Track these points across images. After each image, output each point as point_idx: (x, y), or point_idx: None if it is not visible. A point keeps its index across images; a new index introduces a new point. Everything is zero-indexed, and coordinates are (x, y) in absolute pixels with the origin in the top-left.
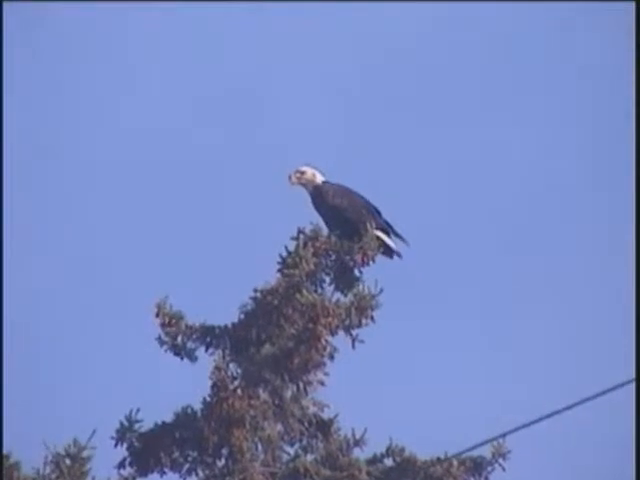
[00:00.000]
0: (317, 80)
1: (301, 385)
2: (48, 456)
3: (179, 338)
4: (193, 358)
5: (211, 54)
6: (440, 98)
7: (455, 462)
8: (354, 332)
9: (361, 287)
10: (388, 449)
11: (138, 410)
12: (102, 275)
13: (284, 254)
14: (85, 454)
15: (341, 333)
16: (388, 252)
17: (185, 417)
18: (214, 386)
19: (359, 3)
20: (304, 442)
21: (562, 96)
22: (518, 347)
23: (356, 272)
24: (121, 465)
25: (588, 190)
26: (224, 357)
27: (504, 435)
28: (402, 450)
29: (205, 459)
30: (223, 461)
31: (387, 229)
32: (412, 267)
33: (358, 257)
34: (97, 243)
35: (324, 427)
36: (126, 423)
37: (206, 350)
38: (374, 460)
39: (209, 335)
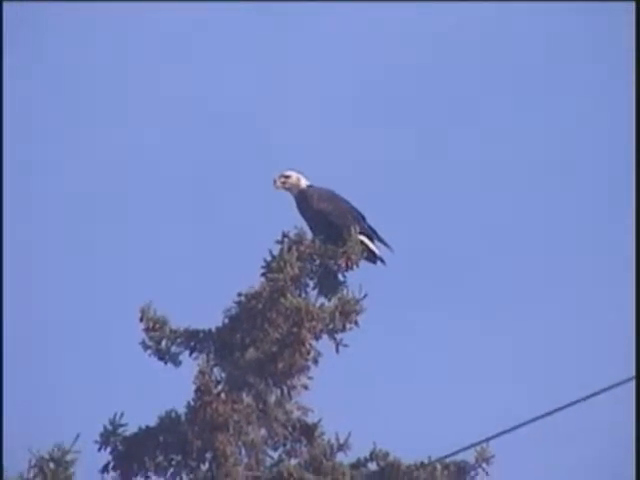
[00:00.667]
0: (309, 85)
1: (285, 389)
2: (32, 460)
3: (163, 342)
4: (177, 362)
5: (207, 58)
6: (433, 101)
7: (439, 466)
8: (338, 336)
9: (345, 291)
10: (372, 453)
11: (122, 414)
12: (86, 279)
13: (268, 258)
14: (69, 458)
15: (325, 337)
16: (372, 257)
17: (169, 421)
18: (198, 390)
19: (354, 3)
20: (288, 446)
21: (562, 96)
22: (504, 351)
23: (340, 276)
24: (105, 469)
25: (587, 189)
26: (208, 361)
27: (488, 440)
28: (386, 455)
29: (189, 463)
30: (207, 465)
31: (371, 234)
32: (396, 271)
33: (342, 261)
34: (82, 246)
35: (308, 431)
36: (110, 427)
37: (190, 354)
38: (358, 464)
39: (193, 339)
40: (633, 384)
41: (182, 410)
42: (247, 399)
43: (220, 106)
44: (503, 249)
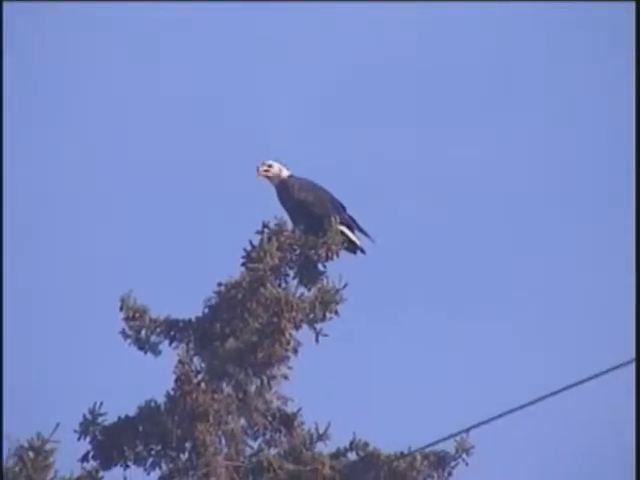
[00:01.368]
0: (296, 80)
1: (265, 379)
2: (11, 449)
3: (143, 332)
4: (157, 352)
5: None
6: (434, 100)
7: (419, 457)
8: (318, 326)
9: (325, 281)
10: (352, 443)
11: (101, 403)
12: (65, 268)
13: (248, 248)
14: (48, 447)
15: (305, 327)
16: (352, 248)
17: (149, 411)
18: (178, 380)
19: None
20: (267, 436)
21: (562, 96)
22: (484, 340)
23: (320, 266)
24: (84, 458)
25: (587, 188)
26: (188, 351)
27: (467, 430)
28: (366, 444)
29: (169, 453)
30: (186, 455)
31: (351, 224)
32: (377, 263)
33: (322, 251)
34: (62, 235)
35: (288, 421)
36: (89, 416)
37: (170, 344)
38: (337, 454)
39: (173, 329)
40: (633, 367)
41: (162, 400)
42: (227, 389)
43: (199, 102)
44: (496, 242)
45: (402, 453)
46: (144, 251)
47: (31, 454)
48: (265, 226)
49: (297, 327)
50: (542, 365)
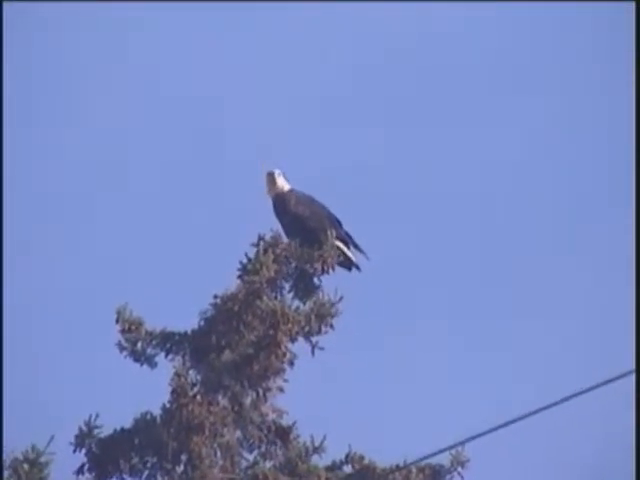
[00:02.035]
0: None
1: (260, 392)
2: (6, 461)
3: (139, 344)
4: (153, 364)
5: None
6: (433, 100)
7: (414, 470)
8: (314, 339)
9: (321, 295)
10: (347, 456)
11: (97, 416)
12: (60, 279)
13: (244, 260)
14: (43, 459)
15: (301, 340)
16: (347, 264)
17: (144, 423)
18: (174, 392)
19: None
20: (263, 449)
21: (562, 96)
22: (482, 351)
23: (316, 280)
24: (80, 471)
25: (587, 188)
26: (184, 363)
27: (463, 443)
28: (361, 457)
29: (164, 465)
30: (182, 467)
31: (347, 240)
32: (372, 277)
33: (318, 265)
34: (57, 247)
35: (283, 434)
36: (85, 429)
37: (166, 356)
38: (333, 467)
39: (169, 341)
40: (633, 378)
41: (157, 412)
42: (222, 401)
43: (198, 102)
44: (496, 248)
45: (398, 466)
46: (140, 263)
47: (26, 466)
48: (261, 238)
49: (293, 340)
50: (539, 377)
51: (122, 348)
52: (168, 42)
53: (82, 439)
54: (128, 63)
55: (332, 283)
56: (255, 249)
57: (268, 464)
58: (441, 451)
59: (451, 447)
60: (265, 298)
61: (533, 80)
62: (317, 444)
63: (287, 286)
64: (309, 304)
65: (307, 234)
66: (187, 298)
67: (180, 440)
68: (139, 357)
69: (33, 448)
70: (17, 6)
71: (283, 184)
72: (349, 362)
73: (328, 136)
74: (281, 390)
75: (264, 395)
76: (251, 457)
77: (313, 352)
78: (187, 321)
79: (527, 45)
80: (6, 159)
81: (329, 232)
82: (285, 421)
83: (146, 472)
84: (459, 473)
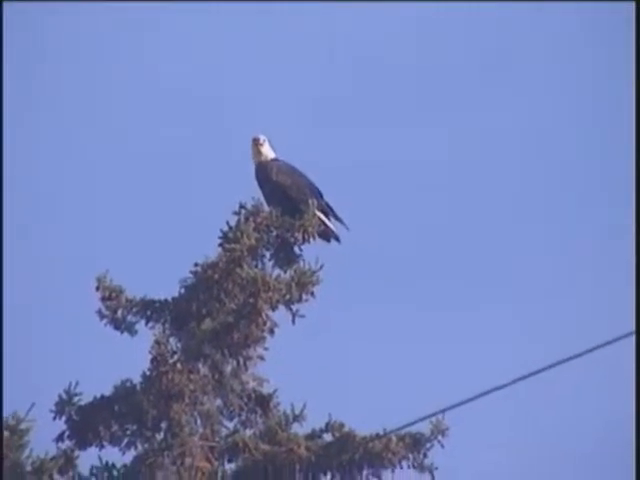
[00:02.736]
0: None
1: (241, 360)
2: None
3: (119, 312)
4: (133, 332)
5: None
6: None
7: (394, 438)
8: (294, 307)
9: (301, 263)
10: (327, 424)
11: (77, 383)
12: (38, 247)
13: (225, 228)
14: (24, 426)
15: (281, 308)
16: (326, 236)
17: (124, 391)
18: (154, 360)
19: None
20: (243, 417)
21: (562, 96)
22: (463, 314)
23: (296, 249)
24: (60, 438)
25: (587, 186)
26: (164, 331)
27: (443, 411)
28: (341, 426)
29: (144, 433)
30: (162, 435)
31: (327, 211)
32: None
33: (299, 234)
34: (42, 215)
35: (263, 402)
36: (65, 396)
37: (146, 324)
38: (313, 435)
39: (149, 309)
40: (633, 339)
41: (137, 380)
42: (203, 369)
43: (197, 101)
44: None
45: (377, 434)
46: (120, 231)
47: (6, 433)
48: (242, 207)
49: (273, 308)
50: (520, 350)
51: (102, 316)
52: (168, 42)
53: (62, 406)
54: (128, 63)
55: (312, 253)
56: (236, 217)
57: (248, 432)
58: (421, 419)
59: (431, 415)
60: (246, 266)
61: (533, 80)
62: (297, 412)
63: (268, 255)
64: (290, 272)
65: (288, 203)
66: (167, 266)
67: (160, 408)
68: (119, 325)
69: (13, 415)
70: (17, 6)
71: (267, 152)
72: (329, 330)
73: (328, 136)
74: (261, 358)
75: (244, 363)
76: (231, 425)
77: (294, 320)
78: (168, 289)
79: (527, 45)
80: (6, 159)
81: (310, 202)
82: (265, 389)
83: (126, 439)
84: (439, 441)
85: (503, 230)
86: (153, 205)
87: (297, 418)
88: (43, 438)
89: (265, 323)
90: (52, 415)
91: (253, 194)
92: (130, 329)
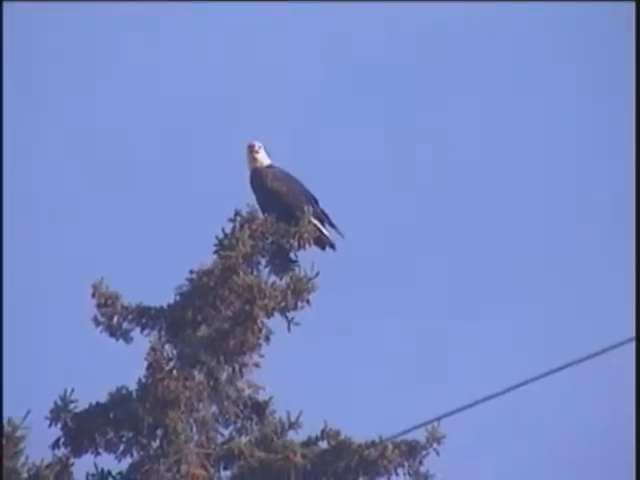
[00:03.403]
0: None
1: (237, 367)
2: None
3: (115, 319)
4: (129, 339)
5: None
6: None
7: (390, 446)
8: (290, 314)
9: (297, 270)
10: (323, 432)
11: (73, 390)
12: (36, 253)
13: (221, 236)
14: (19, 434)
15: (277, 315)
16: (322, 243)
17: (120, 398)
18: (149, 367)
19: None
20: (239, 424)
21: (562, 96)
22: (459, 324)
23: (292, 255)
24: (55, 445)
25: (586, 186)
26: (160, 338)
27: (439, 419)
28: (337, 433)
29: (140, 440)
30: (158, 442)
31: (323, 218)
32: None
33: (294, 241)
34: (38, 222)
35: (259, 409)
36: (61, 403)
37: (142, 331)
38: (309, 443)
39: (145, 316)
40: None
41: (133, 387)
42: (198, 376)
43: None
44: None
45: (373, 442)
46: (117, 238)
47: (2, 441)
48: (237, 214)
49: (269, 315)
50: (516, 357)
51: (98, 323)
52: (167, 42)
53: (58, 413)
54: (127, 63)
55: (308, 260)
56: (232, 224)
57: (244, 439)
58: (417, 427)
59: (427, 423)
60: (241, 273)
61: (533, 80)
62: (293, 420)
63: (263, 261)
64: (285, 279)
65: (283, 210)
66: (163, 273)
67: (156, 415)
68: (115, 332)
69: (9, 422)
70: (17, 6)
71: (263, 159)
72: (325, 338)
73: (328, 136)
74: (257, 365)
75: (240, 370)
76: (227, 432)
77: (289, 328)
78: (163, 296)
79: (527, 45)
80: (6, 159)
81: (306, 208)
82: (261, 396)
83: (121, 446)
84: (435, 449)
85: (503, 233)
86: (149, 212)
87: (293, 425)
88: (39, 445)
89: (261, 330)
90: (48, 422)
91: (248, 201)
92: (126, 336)
